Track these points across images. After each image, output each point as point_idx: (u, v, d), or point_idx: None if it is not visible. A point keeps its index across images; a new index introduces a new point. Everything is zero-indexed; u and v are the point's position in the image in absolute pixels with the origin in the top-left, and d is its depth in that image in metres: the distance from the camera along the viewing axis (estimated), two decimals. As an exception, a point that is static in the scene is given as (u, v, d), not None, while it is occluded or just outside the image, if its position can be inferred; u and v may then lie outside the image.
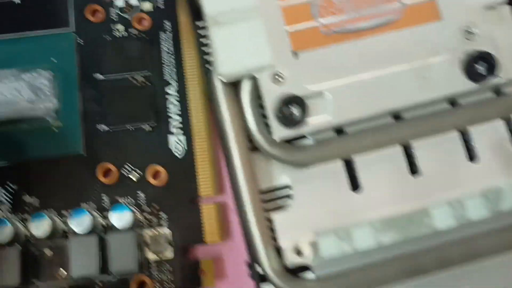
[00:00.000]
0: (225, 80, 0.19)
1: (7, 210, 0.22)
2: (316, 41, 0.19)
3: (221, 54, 0.19)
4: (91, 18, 0.24)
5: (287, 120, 0.19)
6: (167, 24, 0.24)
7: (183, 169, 0.23)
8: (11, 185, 0.22)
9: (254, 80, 0.19)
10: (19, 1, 0.24)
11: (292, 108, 0.19)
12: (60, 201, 0.22)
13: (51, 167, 0.22)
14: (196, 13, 0.22)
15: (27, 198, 0.22)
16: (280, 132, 0.19)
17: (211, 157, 0.23)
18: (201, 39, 0.21)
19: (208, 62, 0.21)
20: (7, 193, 0.22)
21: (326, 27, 0.19)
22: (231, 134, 0.19)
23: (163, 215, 0.22)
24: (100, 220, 0.22)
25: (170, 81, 0.23)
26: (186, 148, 0.23)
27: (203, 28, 0.21)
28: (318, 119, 0.19)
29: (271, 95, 0.19)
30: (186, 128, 0.23)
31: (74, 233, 0.21)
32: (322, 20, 0.19)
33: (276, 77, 0.19)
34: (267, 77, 0.19)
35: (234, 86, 0.19)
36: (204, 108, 0.23)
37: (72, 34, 0.24)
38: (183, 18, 0.24)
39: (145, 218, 0.22)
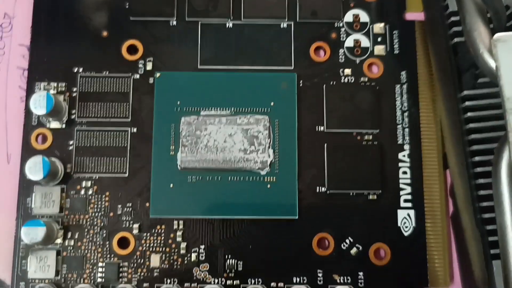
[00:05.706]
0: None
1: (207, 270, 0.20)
2: None
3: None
4: (315, 58, 0.21)
5: None
6: (403, 75, 0.21)
7: (410, 250, 0.20)
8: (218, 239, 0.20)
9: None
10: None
11: None
12: (269, 272, 0.19)
13: (261, 228, 0.20)
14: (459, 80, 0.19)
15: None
16: None
17: (444, 239, 0.20)
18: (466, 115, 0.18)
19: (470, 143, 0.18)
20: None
21: None
22: None
23: (384, 301, 0.19)
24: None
25: (403, 144, 0.20)
26: (414, 225, 0.20)
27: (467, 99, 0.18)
28: None
29: None
30: (418, 202, 0.20)
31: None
32: None
33: None
34: None
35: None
36: (440, 180, 0.20)
37: (294, 74, 0.21)
38: (424, 70, 0.21)
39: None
